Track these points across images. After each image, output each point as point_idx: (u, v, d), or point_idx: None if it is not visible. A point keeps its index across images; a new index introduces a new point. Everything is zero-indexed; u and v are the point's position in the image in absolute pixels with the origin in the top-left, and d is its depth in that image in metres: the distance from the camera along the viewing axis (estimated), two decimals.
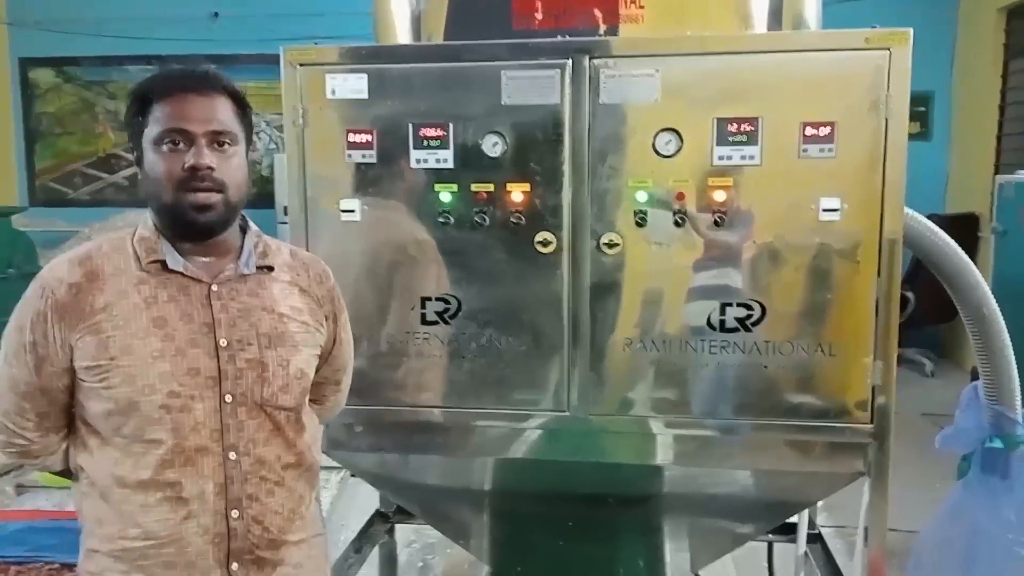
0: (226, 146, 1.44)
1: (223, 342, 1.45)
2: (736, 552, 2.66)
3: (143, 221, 1.51)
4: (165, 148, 1.41)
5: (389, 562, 2.76)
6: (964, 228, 5.93)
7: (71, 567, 3.30)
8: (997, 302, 2.05)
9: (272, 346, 1.49)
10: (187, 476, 1.43)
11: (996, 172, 5.94)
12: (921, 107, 6.90)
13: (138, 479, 1.42)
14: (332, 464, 2.28)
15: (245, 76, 7.56)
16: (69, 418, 1.50)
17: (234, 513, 1.46)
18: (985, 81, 6.40)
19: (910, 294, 6.25)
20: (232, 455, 1.45)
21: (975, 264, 2.05)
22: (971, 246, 5.77)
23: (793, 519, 2.67)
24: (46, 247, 6.51)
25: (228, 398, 1.45)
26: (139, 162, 1.47)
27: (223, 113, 1.45)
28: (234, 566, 1.46)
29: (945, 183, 6.96)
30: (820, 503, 3.11)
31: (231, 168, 1.45)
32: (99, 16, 7.60)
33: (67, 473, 1.55)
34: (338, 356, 1.67)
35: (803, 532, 2.60)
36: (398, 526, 2.84)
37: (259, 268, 1.52)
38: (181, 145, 1.41)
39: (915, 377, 6.40)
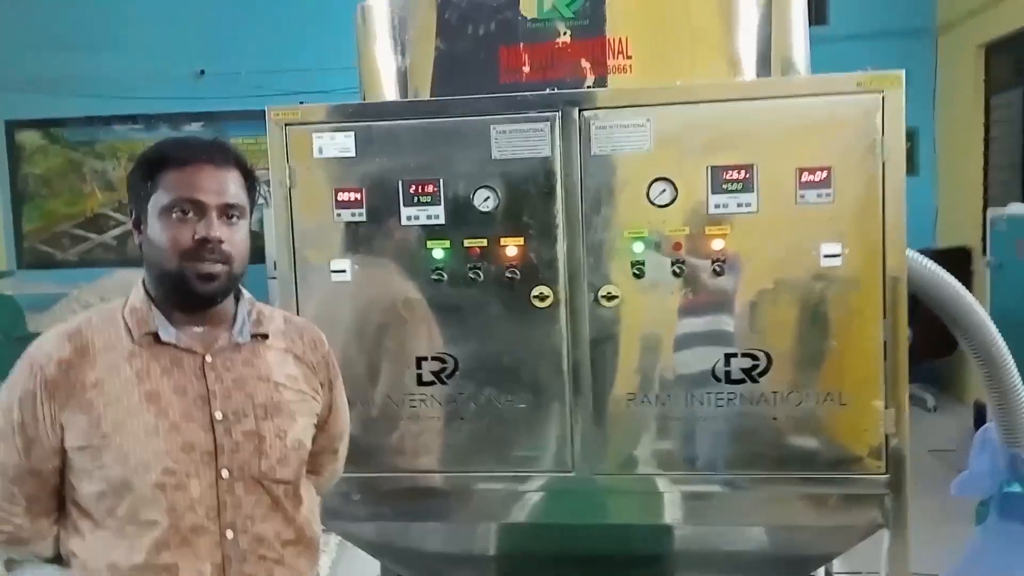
0: (235, 219, 1.43)
1: (219, 415, 1.41)
2: None
3: (134, 291, 1.47)
4: (175, 217, 1.38)
5: None
6: (956, 262, 5.92)
7: None
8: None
9: (269, 417, 1.45)
10: (183, 558, 1.37)
11: (985, 205, 5.97)
12: (907, 143, 6.95)
13: (132, 563, 1.36)
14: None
15: (232, 133, 7.59)
16: (59, 502, 1.44)
17: None
18: (968, 116, 6.47)
19: (909, 330, 6.24)
20: (230, 533, 1.40)
21: None
22: (965, 280, 5.68)
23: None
24: (35, 310, 6.44)
25: (225, 473, 1.40)
26: (137, 225, 1.44)
27: (234, 186, 1.43)
28: None
29: (934, 217, 6.98)
30: None
31: (237, 240, 1.43)
32: (84, 75, 7.62)
33: (58, 560, 1.48)
34: (334, 424, 1.62)
35: None
36: None
37: (253, 336, 1.48)
38: (191, 215, 1.38)
39: (918, 413, 6.34)
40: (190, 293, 1.39)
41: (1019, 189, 5.69)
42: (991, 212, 4.24)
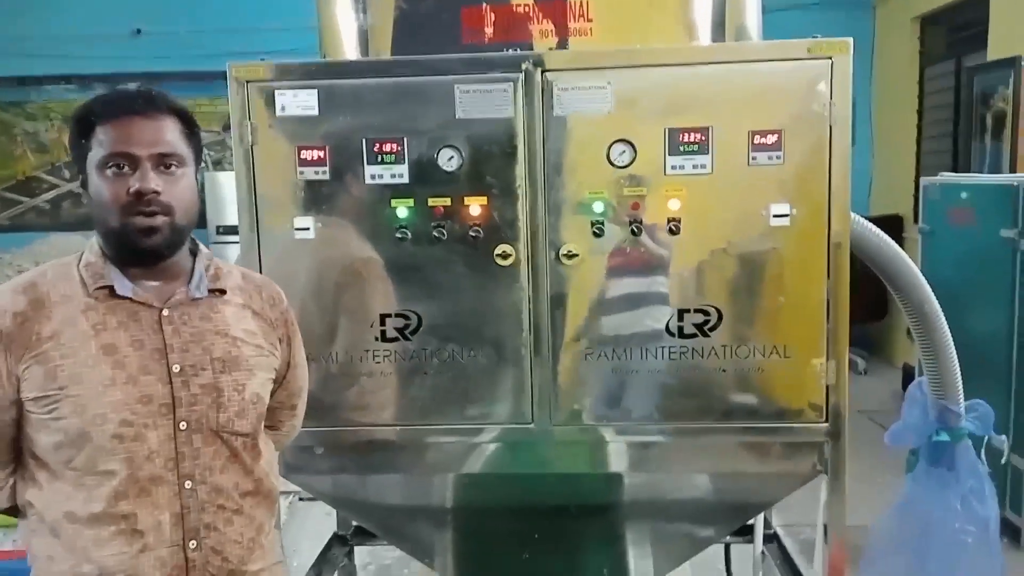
0: (173, 168, 1.42)
1: (176, 368, 1.42)
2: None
3: (89, 246, 1.47)
4: (110, 172, 1.38)
5: None
6: (889, 229, 6.01)
7: None
8: None
9: (227, 371, 1.47)
10: (142, 507, 1.39)
11: (918, 175, 6.19)
12: None
13: (90, 512, 1.38)
14: (281, 489, 2.24)
15: (172, 94, 7.42)
16: (15, 453, 1.44)
17: (192, 544, 1.42)
18: (903, 88, 6.68)
19: None
20: (188, 484, 1.42)
21: None
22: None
23: (749, 520, 2.72)
24: None
25: (183, 425, 1.42)
26: (84, 185, 1.43)
27: (169, 134, 1.42)
28: None
29: (869, 186, 7.22)
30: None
31: (178, 190, 1.42)
32: (15, 34, 7.33)
33: (13, 511, 1.49)
34: (292, 380, 1.65)
35: (759, 532, 2.65)
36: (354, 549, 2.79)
37: (211, 291, 1.49)
38: (126, 169, 1.38)
39: (849, 376, 6.60)
40: (135, 248, 1.40)
41: (951, 159, 5.93)
42: (923, 181, 4.41)
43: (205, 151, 7.78)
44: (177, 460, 1.41)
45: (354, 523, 2.68)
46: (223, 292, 1.51)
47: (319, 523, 3.60)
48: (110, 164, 1.38)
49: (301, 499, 4.10)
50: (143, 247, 1.39)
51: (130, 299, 1.42)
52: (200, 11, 7.30)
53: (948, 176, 4.32)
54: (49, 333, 1.37)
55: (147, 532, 1.39)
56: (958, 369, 2.16)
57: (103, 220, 1.40)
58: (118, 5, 7.30)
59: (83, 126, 1.41)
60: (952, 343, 2.13)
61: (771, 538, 2.68)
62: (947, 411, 2.18)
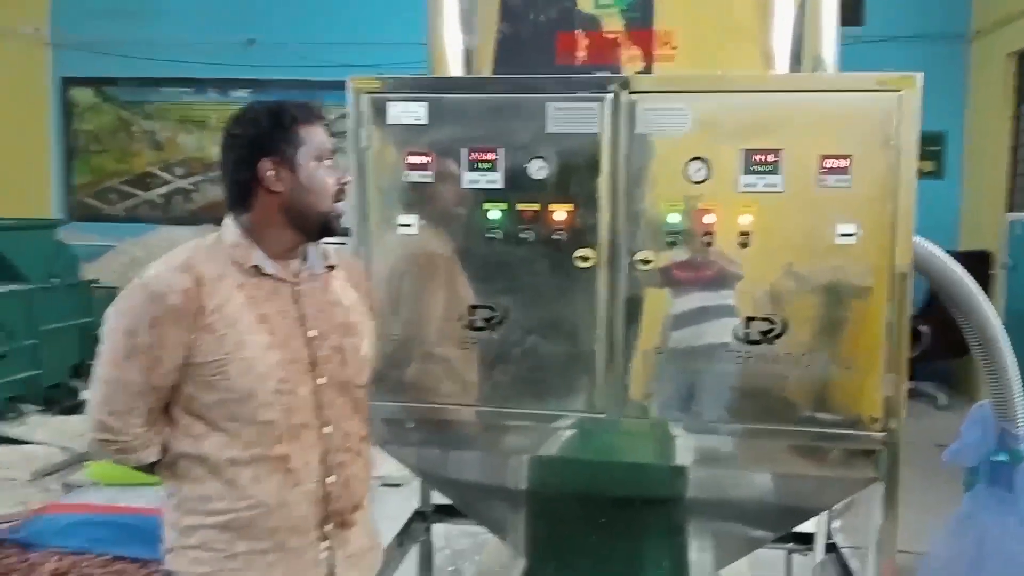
0: None
1: (312, 333, 1.67)
2: (756, 562, 2.81)
3: (226, 231, 1.67)
4: (327, 164, 1.65)
5: (427, 559, 2.91)
6: (977, 264, 6.04)
7: (122, 559, 3.50)
8: (1008, 335, 2.19)
9: (347, 334, 1.72)
10: (294, 449, 1.63)
11: (1009, 210, 6.10)
12: (934, 146, 7.09)
13: (251, 456, 1.61)
14: None
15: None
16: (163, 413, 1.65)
17: (330, 479, 1.67)
18: (995, 123, 6.59)
19: (925, 328, 6.39)
20: (326, 429, 1.67)
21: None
22: (983, 282, 5.87)
23: (811, 530, 2.82)
24: (83, 260, 6.75)
25: (320, 380, 1.66)
26: (281, 171, 1.62)
27: None
28: (328, 527, 1.67)
29: (958, 221, 7.12)
30: (837, 524, 3.25)
31: None
32: (138, 39, 7.92)
33: (150, 468, 1.69)
34: (375, 345, 1.88)
35: (820, 542, 2.74)
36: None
37: (325, 268, 1.74)
38: (331, 163, 1.66)
39: (928, 410, 6.52)
40: (329, 230, 1.68)
41: None
42: (1010, 216, 4.39)
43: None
44: (318, 409, 1.66)
45: (433, 503, 2.89)
46: (332, 268, 1.76)
47: (398, 508, 3.84)
48: (325, 157, 1.66)
49: (383, 485, 4.36)
50: (336, 229, 1.69)
51: (272, 276, 1.66)
52: (308, 25, 7.75)
53: None
54: (213, 307, 1.58)
55: (298, 470, 1.63)
56: (1020, 392, 2.23)
57: (313, 203, 1.65)
58: (234, 16, 7.80)
59: (287, 123, 1.63)
60: (1015, 366, 2.20)
61: (831, 548, 2.76)
62: (1007, 433, 2.25)
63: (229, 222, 1.69)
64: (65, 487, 4.67)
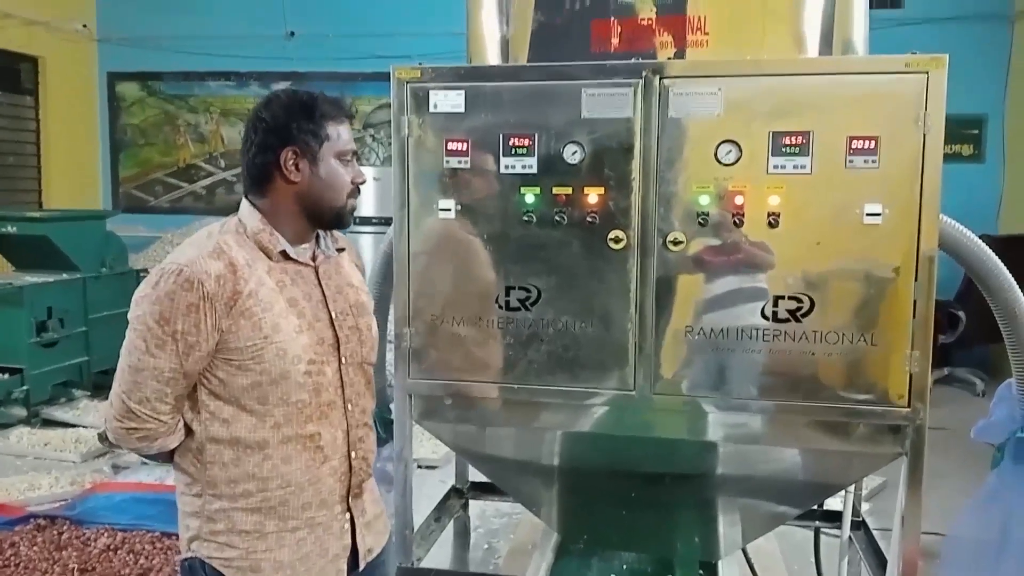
0: None
1: (335, 314, 1.74)
2: (783, 539, 2.86)
3: (249, 219, 1.69)
4: (347, 160, 1.72)
5: (463, 534, 3.01)
6: (1017, 249, 5.97)
7: (171, 535, 3.65)
8: None
9: (361, 314, 1.81)
10: (324, 427, 1.70)
11: None
12: (974, 130, 7.01)
13: (283, 436, 1.66)
14: None
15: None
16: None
17: (353, 454, 1.75)
18: None
19: (961, 313, 6.36)
20: (349, 406, 1.75)
21: None
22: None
23: (838, 507, 2.86)
24: (130, 250, 6.96)
25: (343, 359, 1.74)
26: (300, 163, 1.66)
27: None
28: (350, 499, 1.75)
29: (998, 205, 7.03)
30: (866, 507, 3.28)
31: None
32: (182, 34, 8.11)
33: (169, 454, 1.70)
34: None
35: (847, 519, 2.79)
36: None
37: (336, 251, 1.83)
38: (351, 161, 1.74)
39: (966, 396, 6.48)
40: (341, 223, 1.75)
41: None
42: None
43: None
44: (342, 387, 1.74)
45: (469, 480, 2.98)
46: (342, 250, 1.85)
47: (434, 488, 3.95)
48: (346, 155, 1.72)
49: (420, 467, 4.47)
50: (348, 223, 1.76)
51: (295, 260, 1.72)
52: (346, 17, 7.86)
53: None
54: (247, 292, 1.60)
55: (326, 446, 1.71)
56: None
57: (328, 197, 1.70)
58: (274, 9, 7.95)
59: (315, 115, 1.67)
60: None
61: (859, 525, 2.81)
62: None
63: (247, 207, 1.71)
64: (114, 468, 4.85)
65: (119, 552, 3.68)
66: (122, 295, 6.40)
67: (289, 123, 1.66)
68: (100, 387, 6.24)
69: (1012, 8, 6.92)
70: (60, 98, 8.27)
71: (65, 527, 3.91)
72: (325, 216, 1.73)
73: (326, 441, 1.70)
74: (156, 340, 1.56)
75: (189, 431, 1.67)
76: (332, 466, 1.72)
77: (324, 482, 1.71)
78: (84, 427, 5.55)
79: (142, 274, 6.70)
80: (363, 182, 1.74)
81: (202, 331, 1.57)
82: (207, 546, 1.67)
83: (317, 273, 1.75)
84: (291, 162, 1.67)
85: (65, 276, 6.05)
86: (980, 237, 2.22)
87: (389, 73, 2.22)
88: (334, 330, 1.73)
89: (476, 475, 2.93)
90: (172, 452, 1.69)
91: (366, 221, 6.12)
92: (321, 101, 1.71)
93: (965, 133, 6.94)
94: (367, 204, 6.30)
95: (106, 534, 3.82)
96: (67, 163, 8.33)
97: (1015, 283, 2.19)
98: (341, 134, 1.71)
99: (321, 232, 1.79)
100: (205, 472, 1.66)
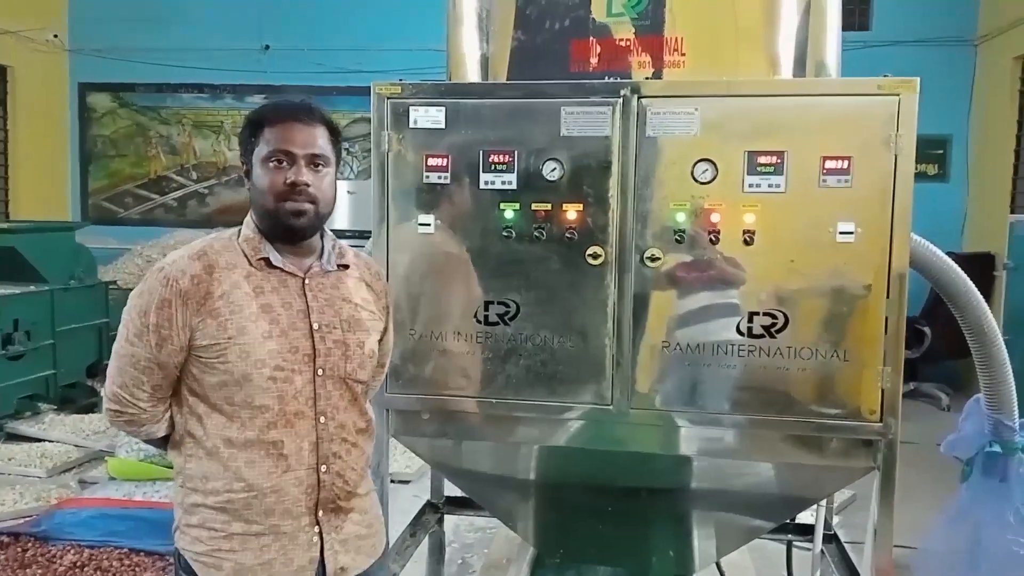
0: (320, 167, 1.75)
1: (316, 325, 1.74)
2: (756, 552, 2.88)
3: (245, 224, 1.79)
4: (271, 165, 1.71)
5: (438, 549, 3.00)
6: (980, 266, 6.14)
7: (139, 552, 3.60)
8: (1010, 333, 2.28)
9: (352, 330, 1.79)
10: (287, 436, 1.70)
11: (1012, 213, 6.18)
12: (939, 150, 7.17)
13: (245, 438, 1.68)
14: None
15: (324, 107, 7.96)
16: (173, 391, 1.75)
17: (323, 468, 1.74)
18: (1001, 126, 6.67)
19: (927, 328, 6.47)
20: (322, 419, 1.74)
21: (990, 301, 2.27)
22: (987, 283, 5.98)
23: (810, 520, 2.90)
24: (99, 262, 6.87)
25: (320, 371, 1.73)
26: (248, 175, 1.76)
27: (320, 140, 1.75)
28: (320, 513, 1.74)
29: (963, 223, 7.19)
30: (837, 519, 3.32)
31: (323, 185, 1.75)
32: (156, 46, 8.05)
33: (164, 441, 1.79)
34: (387, 342, 1.97)
35: (819, 532, 2.82)
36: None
37: (338, 266, 1.82)
38: (284, 164, 1.71)
39: (932, 411, 6.59)
40: (287, 228, 1.72)
41: None
42: (1012, 218, 4.48)
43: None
44: (315, 399, 1.73)
45: (445, 494, 2.98)
46: (346, 267, 1.84)
47: (408, 503, 3.93)
48: (273, 158, 1.71)
49: (393, 481, 4.45)
50: (293, 227, 1.72)
51: (280, 269, 1.74)
52: (322, 31, 7.87)
53: None
54: (220, 293, 1.67)
55: (290, 456, 1.70)
56: (1013, 385, 2.31)
57: (262, 203, 1.72)
58: (250, 22, 7.93)
59: (255, 126, 1.74)
60: (1007, 360, 2.29)
61: (831, 538, 2.84)
62: (1001, 424, 2.33)
63: (248, 216, 1.79)
64: (81, 483, 4.78)
65: (86, 569, 3.62)
66: (90, 308, 6.32)
67: (241, 136, 1.78)
68: (67, 401, 6.15)
69: (976, 32, 7.11)
70: (29, 108, 8.16)
71: (30, 544, 3.83)
72: (265, 222, 1.74)
73: (290, 450, 1.70)
74: (136, 330, 1.68)
75: (175, 424, 1.75)
76: (297, 476, 1.71)
77: (287, 491, 1.70)
78: (50, 441, 5.45)
79: (111, 287, 6.63)
80: (297, 182, 1.69)
81: (174, 326, 1.65)
82: (183, 537, 1.74)
83: (304, 284, 1.75)
84: (244, 170, 1.77)
85: (32, 288, 5.95)
86: (946, 254, 2.28)
87: (363, 87, 2.24)
88: (312, 341, 1.73)
89: (451, 489, 2.93)
90: (166, 441, 1.78)
91: (340, 234, 6.10)
92: (268, 107, 1.77)
93: (930, 153, 7.10)
94: (341, 217, 6.29)
95: (72, 551, 3.75)
96: (36, 174, 8.22)
97: (983, 301, 2.25)
98: (273, 137, 1.71)
99: (328, 246, 1.81)
100: (185, 465, 1.73)
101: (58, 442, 5.40)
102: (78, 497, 4.36)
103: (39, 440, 5.49)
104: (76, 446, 5.35)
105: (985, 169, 6.94)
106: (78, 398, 6.22)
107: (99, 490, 4.48)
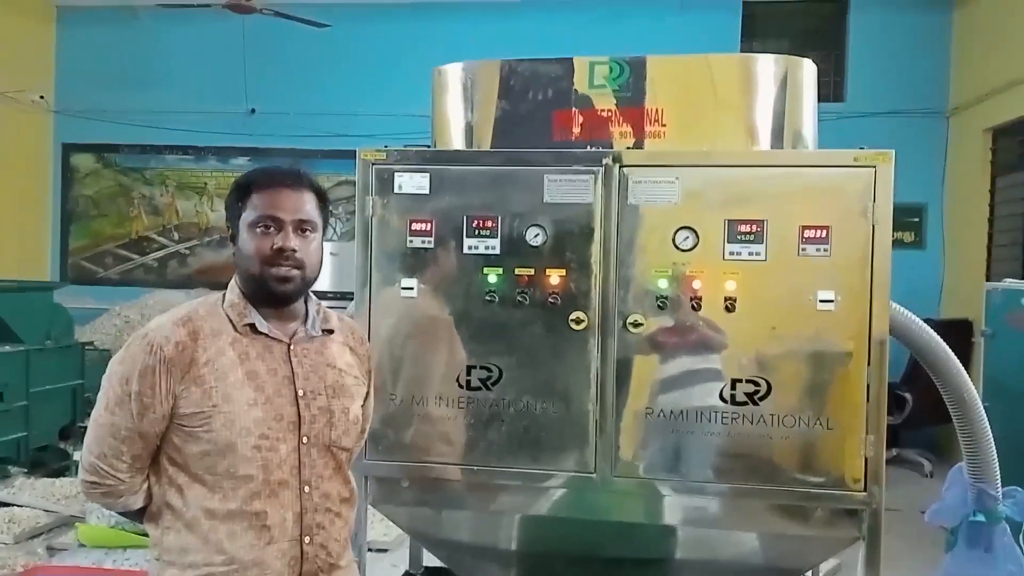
0: (308, 232, 1.75)
1: (301, 392, 1.72)
2: None
3: (229, 289, 1.77)
4: (259, 230, 1.71)
5: None
6: (958, 333, 6.20)
7: None
8: (990, 400, 2.29)
9: (336, 396, 1.77)
10: (271, 506, 1.66)
11: (987, 279, 6.27)
12: (915, 218, 7.31)
13: (227, 509, 1.64)
14: None
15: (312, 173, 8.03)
16: (152, 461, 1.71)
17: (307, 539, 1.69)
18: (974, 195, 6.82)
19: (908, 394, 6.49)
20: (306, 488, 1.70)
21: (968, 367, 2.28)
22: (965, 350, 6.03)
23: None
24: (77, 322, 6.80)
25: (305, 439, 1.71)
26: (233, 239, 1.76)
27: (308, 205, 1.75)
28: None
29: (939, 290, 7.28)
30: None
31: (310, 250, 1.75)
32: (141, 108, 8.11)
33: (140, 513, 1.74)
34: (368, 406, 1.93)
35: None
36: None
37: (323, 331, 1.81)
38: (272, 229, 1.70)
39: (915, 477, 6.56)
40: (271, 293, 1.71)
41: (1020, 265, 6.01)
42: (987, 286, 4.55)
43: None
44: (300, 468, 1.70)
45: (424, 564, 2.91)
46: (331, 331, 1.82)
47: (385, 572, 3.84)
48: (260, 223, 1.71)
49: (371, 550, 4.35)
50: (278, 292, 1.71)
51: (266, 335, 1.73)
52: (308, 96, 7.97)
53: (1011, 282, 4.45)
54: (205, 360, 1.65)
55: (274, 527, 1.66)
56: (994, 452, 2.31)
57: (247, 267, 1.72)
58: (236, 86, 8.02)
59: (243, 191, 1.75)
60: (989, 429, 2.29)
61: None
62: (984, 494, 2.32)
63: (233, 281, 1.78)
64: (49, 550, 4.63)
65: None
66: (66, 369, 6.22)
67: (228, 200, 1.78)
68: (38, 464, 5.99)
69: (948, 105, 7.32)
70: (12, 168, 8.16)
71: None
72: (251, 285, 1.73)
73: (273, 521, 1.66)
74: (116, 398, 1.64)
75: (152, 495, 1.71)
76: (280, 548, 1.66)
77: (270, 565, 1.65)
78: (19, 506, 5.29)
79: (88, 347, 6.54)
80: (284, 248, 1.68)
81: (157, 394, 1.62)
82: None
83: (290, 349, 1.73)
84: (229, 236, 1.77)
85: (8, 348, 5.86)
86: (925, 321, 2.30)
87: (347, 151, 2.27)
88: (297, 408, 1.70)
89: (430, 559, 2.86)
90: (142, 513, 1.73)
91: (321, 296, 6.08)
92: (256, 172, 1.78)
93: (906, 221, 7.22)
94: (323, 278, 6.26)
95: None
96: (16, 232, 8.18)
97: (963, 369, 2.26)
98: (262, 201, 1.71)
99: (312, 311, 1.79)
100: (162, 537, 1.68)
101: (27, 507, 5.24)
102: (45, 565, 4.22)
103: (8, 505, 5.32)
104: (46, 511, 5.19)
105: (960, 236, 7.06)
106: (49, 461, 6.07)
107: (68, 557, 4.35)
